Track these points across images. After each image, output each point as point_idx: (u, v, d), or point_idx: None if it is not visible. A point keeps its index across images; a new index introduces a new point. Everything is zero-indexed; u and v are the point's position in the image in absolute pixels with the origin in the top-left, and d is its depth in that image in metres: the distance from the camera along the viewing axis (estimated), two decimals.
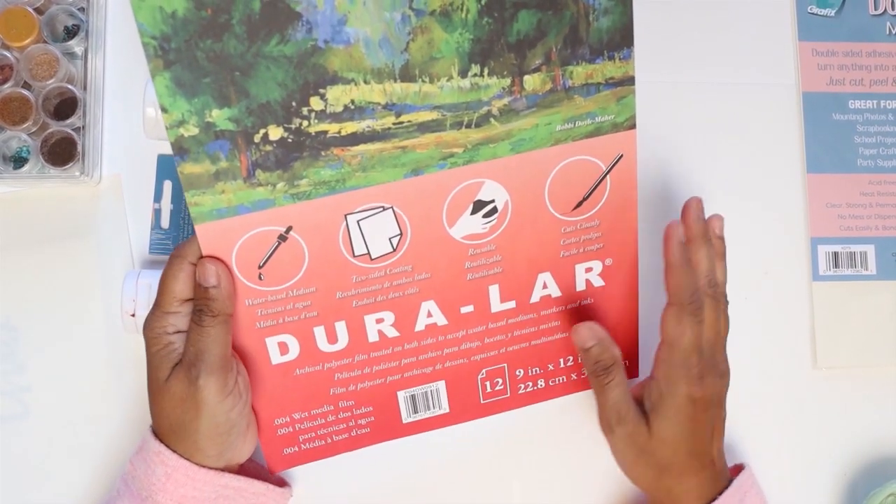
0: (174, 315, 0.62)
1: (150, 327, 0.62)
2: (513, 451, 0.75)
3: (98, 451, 0.73)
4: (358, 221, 0.62)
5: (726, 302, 0.67)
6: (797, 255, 0.79)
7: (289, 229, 0.61)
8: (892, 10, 0.81)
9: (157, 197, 0.76)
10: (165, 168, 0.77)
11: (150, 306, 0.63)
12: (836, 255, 0.78)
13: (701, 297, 0.64)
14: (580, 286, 0.69)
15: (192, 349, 0.61)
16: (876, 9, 0.81)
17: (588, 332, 0.66)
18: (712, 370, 0.65)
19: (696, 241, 0.65)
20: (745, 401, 0.75)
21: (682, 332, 0.64)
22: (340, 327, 0.66)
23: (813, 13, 0.81)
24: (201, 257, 0.61)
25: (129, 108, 0.76)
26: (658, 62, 0.80)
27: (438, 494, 0.74)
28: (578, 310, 0.70)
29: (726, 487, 0.66)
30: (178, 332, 0.62)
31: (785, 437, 0.76)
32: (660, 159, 0.78)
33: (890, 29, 0.80)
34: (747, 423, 0.76)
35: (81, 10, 0.76)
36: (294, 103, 0.57)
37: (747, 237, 0.78)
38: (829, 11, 0.81)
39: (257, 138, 0.58)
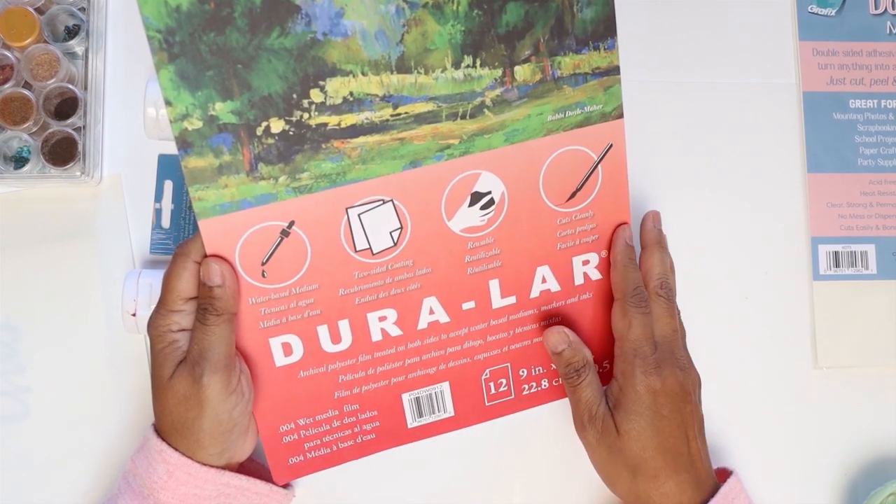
0: (178, 313, 0.62)
1: (154, 325, 0.62)
2: (513, 454, 0.75)
3: (98, 450, 0.73)
4: (359, 215, 0.62)
5: (678, 309, 0.69)
6: (797, 255, 0.78)
7: (291, 224, 0.62)
8: (893, 9, 0.81)
9: (158, 197, 0.76)
10: (166, 168, 0.77)
11: (151, 306, 0.63)
12: (836, 254, 0.78)
13: (643, 291, 0.67)
14: (578, 280, 0.69)
15: (196, 347, 0.61)
16: (876, 8, 0.81)
17: (559, 337, 0.67)
18: (670, 362, 0.65)
19: (651, 246, 0.69)
20: (745, 401, 0.75)
21: (629, 323, 0.66)
22: (344, 326, 0.66)
23: (813, 13, 0.81)
24: (205, 255, 0.61)
25: (130, 108, 0.76)
26: (658, 62, 0.80)
27: (439, 496, 0.74)
28: (578, 305, 0.70)
29: (712, 495, 0.65)
30: (182, 330, 0.62)
31: (785, 437, 0.76)
32: (660, 159, 0.78)
33: (890, 28, 0.81)
34: (747, 424, 0.76)
35: (82, 9, 0.76)
36: (295, 95, 0.58)
37: (747, 237, 0.78)
38: (830, 11, 0.81)
39: (259, 131, 0.58)
